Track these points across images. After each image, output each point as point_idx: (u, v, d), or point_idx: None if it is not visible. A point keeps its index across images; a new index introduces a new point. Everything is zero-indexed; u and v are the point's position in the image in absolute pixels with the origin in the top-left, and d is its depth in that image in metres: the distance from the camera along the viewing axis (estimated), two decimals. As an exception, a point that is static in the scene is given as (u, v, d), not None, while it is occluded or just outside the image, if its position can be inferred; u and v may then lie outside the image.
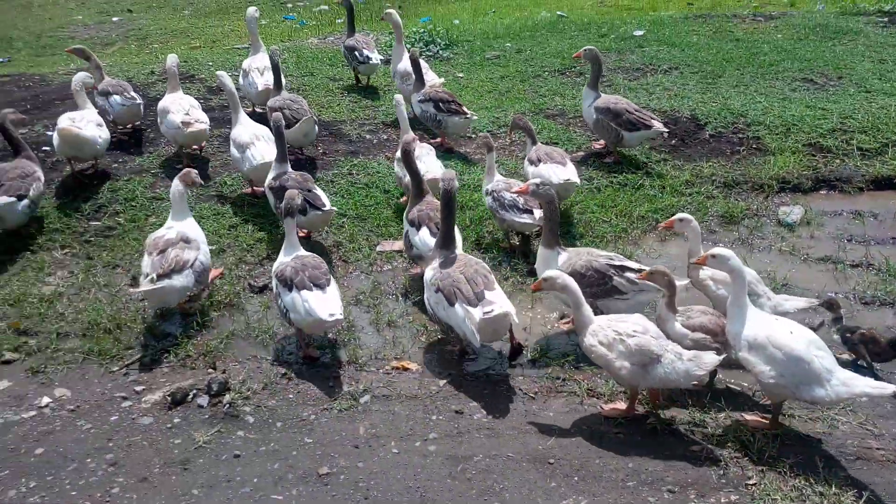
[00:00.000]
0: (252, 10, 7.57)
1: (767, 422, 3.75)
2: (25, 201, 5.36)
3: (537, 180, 4.67)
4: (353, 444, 3.76)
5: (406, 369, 4.38)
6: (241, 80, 7.46)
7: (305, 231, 5.50)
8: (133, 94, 6.79)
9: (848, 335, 4.20)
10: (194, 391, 4.08)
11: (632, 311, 4.05)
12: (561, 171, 5.49)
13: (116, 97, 6.63)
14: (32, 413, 4.01)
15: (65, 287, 5.10)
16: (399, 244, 5.45)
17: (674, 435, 3.78)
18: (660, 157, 6.71)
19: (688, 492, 3.43)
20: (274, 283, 4.45)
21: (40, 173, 5.66)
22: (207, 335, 4.64)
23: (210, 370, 4.31)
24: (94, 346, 4.49)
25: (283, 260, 4.50)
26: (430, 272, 4.34)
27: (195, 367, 4.37)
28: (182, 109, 6.28)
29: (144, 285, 4.40)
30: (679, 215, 4.44)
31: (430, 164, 5.60)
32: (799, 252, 5.44)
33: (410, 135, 5.36)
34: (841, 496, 3.34)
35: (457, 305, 4.07)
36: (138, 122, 7.13)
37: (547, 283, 3.88)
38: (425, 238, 4.72)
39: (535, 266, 4.56)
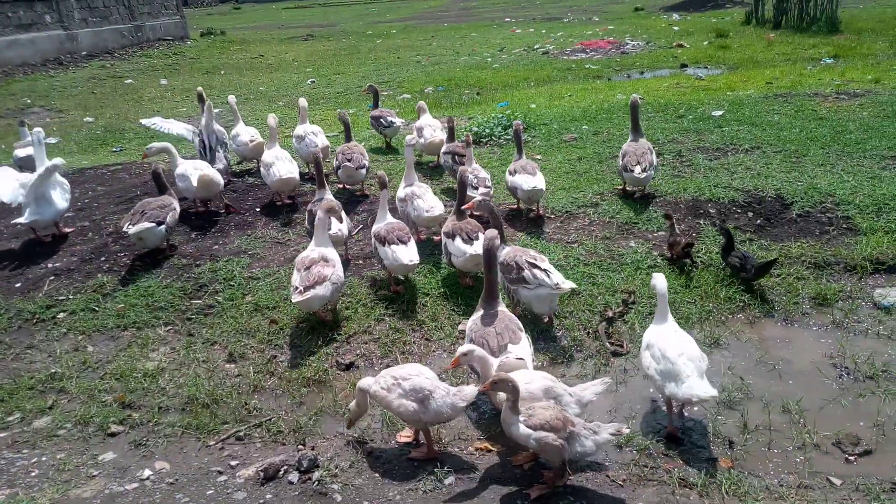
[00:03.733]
0: (271, 119, 8.28)
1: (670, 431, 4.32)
2: (163, 227, 6.64)
3: (479, 198, 5.93)
4: (439, 527, 3.76)
5: (489, 451, 4.38)
6: (295, 143, 8.57)
7: None
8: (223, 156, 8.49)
9: (670, 238, 6.25)
10: (285, 467, 4.20)
11: (536, 299, 5.25)
12: (530, 180, 6.89)
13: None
14: (135, 485, 4.20)
15: (167, 363, 5.41)
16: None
17: (773, 530, 3.61)
18: (745, 237, 6.62)
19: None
20: (372, 240, 6.05)
21: (176, 205, 6.96)
22: (297, 411, 4.80)
23: (300, 446, 4.44)
24: (193, 421, 4.71)
25: (378, 225, 6.08)
26: (470, 324, 4.75)
27: (286, 443, 4.51)
28: (275, 158, 7.77)
29: (296, 296, 5.29)
30: (462, 349, 4.21)
31: (430, 200, 6.63)
32: (899, 336, 5.20)
33: (466, 167, 6.74)
34: None
35: None
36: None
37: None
38: (458, 244, 5.84)
39: None
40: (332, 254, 5.70)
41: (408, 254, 5.81)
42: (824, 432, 4.29)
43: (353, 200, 8.04)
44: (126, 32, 25.87)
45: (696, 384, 4.05)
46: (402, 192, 6.81)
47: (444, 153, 8.06)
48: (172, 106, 15.82)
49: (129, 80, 19.81)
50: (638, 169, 7.15)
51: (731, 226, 6.79)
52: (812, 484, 3.93)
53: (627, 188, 7.67)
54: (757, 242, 6.52)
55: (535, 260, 5.32)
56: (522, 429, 3.84)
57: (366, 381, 4.35)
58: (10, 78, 19.41)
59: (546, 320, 5.58)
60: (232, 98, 9.31)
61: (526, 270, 5.24)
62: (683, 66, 16.60)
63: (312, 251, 5.67)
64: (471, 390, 4.24)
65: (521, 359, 4.30)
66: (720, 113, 10.38)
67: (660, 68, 16.65)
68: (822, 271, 6.09)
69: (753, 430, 4.35)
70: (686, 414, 4.57)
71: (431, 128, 8.71)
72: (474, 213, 6.45)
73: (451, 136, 8.27)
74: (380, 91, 10.42)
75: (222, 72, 21.14)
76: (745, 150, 8.75)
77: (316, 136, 8.49)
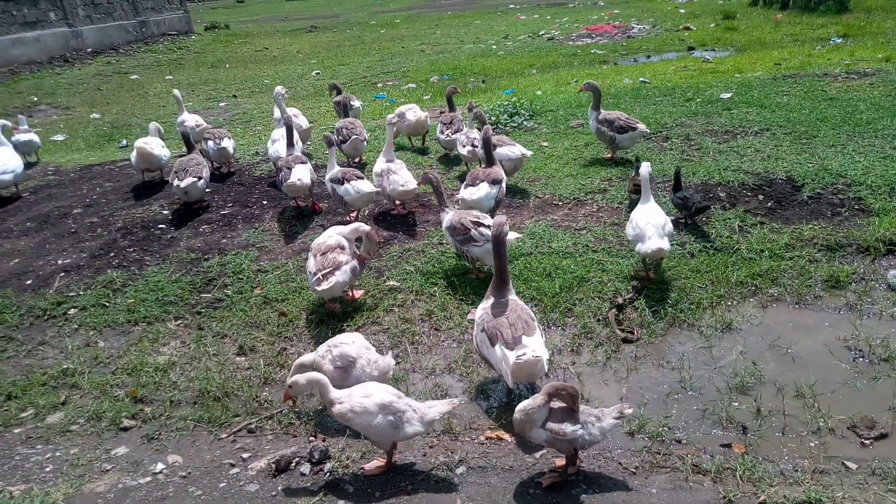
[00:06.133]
0: (279, 89, 8.90)
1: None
2: (202, 181, 7.61)
3: (425, 172, 6.56)
4: (451, 517, 3.75)
5: (501, 440, 4.36)
6: (268, 146, 8.67)
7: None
8: (221, 143, 8.73)
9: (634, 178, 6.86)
10: (297, 459, 4.20)
11: (486, 254, 5.60)
12: (516, 150, 7.44)
13: (211, 142, 8.73)
14: (148, 479, 4.21)
15: (178, 356, 5.42)
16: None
17: (788, 515, 3.58)
18: (756, 220, 6.55)
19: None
20: (329, 185, 6.91)
21: (205, 163, 7.96)
22: (308, 403, 4.80)
23: (311, 438, 4.44)
24: (204, 414, 4.72)
25: (333, 171, 6.96)
26: (481, 312, 4.65)
27: (297, 435, 4.51)
28: (281, 136, 8.28)
29: (321, 285, 5.39)
30: (287, 381, 4.13)
31: (405, 175, 7.07)
32: (914, 318, 5.14)
33: (488, 127, 7.14)
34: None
35: (496, 346, 4.35)
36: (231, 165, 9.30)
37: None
38: (461, 189, 6.64)
39: None
40: (348, 243, 5.78)
41: (367, 185, 6.74)
42: (839, 416, 4.25)
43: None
44: (130, 28, 25.88)
45: (652, 242, 5.45)
46: (379, 166, 7.28)
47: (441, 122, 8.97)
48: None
49: (135, 76, 19.83)
50: (641, 126, 7.86)
51: (741, 209, 6.73)
52: (827, 468, 3.89)
53: (616, 154, 8.40)
54: (768, 225, 6.45)
55: (479, 219, 5.82)
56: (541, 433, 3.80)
57: (306, 358, 4.54)
58: (17, 76, 19.47)
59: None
60: (176, 91, 10.48)
61: (472, 230, 5.73)
62: (690, 48, 16.45)
63: (330, 237, 5.74)
64: (387, 361, 4.47)
65: (538, 356, 4.18)
66: (728, 95, 10.28)
67: (667, 52, 16.51)
68: (834, 253, 6.01)
69: (767, 414, 4.31)
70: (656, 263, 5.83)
71: (413, 110, 9.35)
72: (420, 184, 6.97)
73: (451, 107, 9.02)
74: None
75: (227, 65, 21.13)
76: (755, 132, 8.66)
77: (298, 117, 9.56)
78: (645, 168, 5.87)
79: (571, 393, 3.77)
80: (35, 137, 10.57)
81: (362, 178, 6.85)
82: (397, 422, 3.94)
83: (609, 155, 8.46)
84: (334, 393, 4.03)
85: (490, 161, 6.79)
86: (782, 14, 20.21)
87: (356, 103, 10.52)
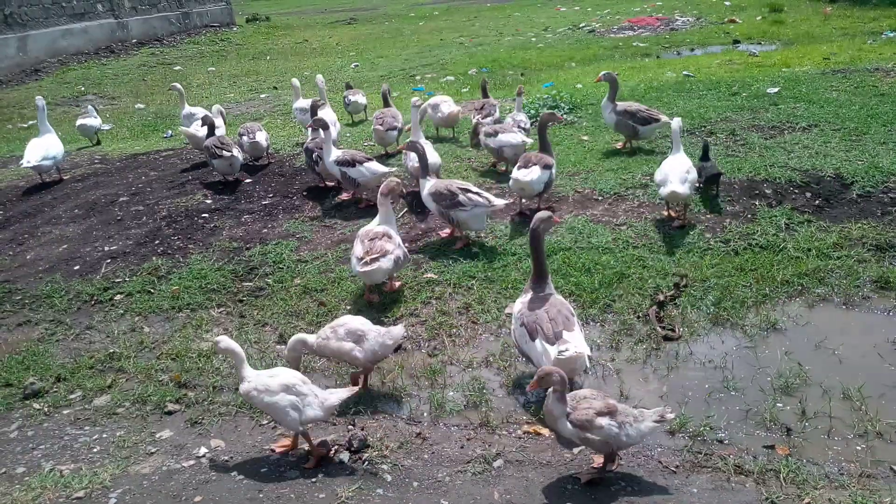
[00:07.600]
0: (319, 78, 9.91)
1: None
2: (239, 155, 8.39)
3: (409, 140, 7.05)
4: (489, 509, 3.76)
5: (538, 434, 4.35)
6: (299, 115, 9.72)
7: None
8: (255, 136, 8.87)
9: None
10: (336, 447, 4.25)
11: (471, 218, 6.17)
12: (517, 136, 7.74)
13: (245, 137, 8.89)
14: (191, 462, 4.30)
15: (220, 343, 5.52)
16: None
17: (833, 520, 3.50)
18: (803, 218, 6.40)
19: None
20: (337, 168, 7.17)
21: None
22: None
23: (350, 427, 4.49)
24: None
25: (337, 154, 7.20)
26: (519, 305, 4.65)
27: (336, 423, 4.56)
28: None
29: (361, 266, 5.51)
30: (217, 341, 4.28)
31: (431, 154, 7.23)
32: (969, 321, 4.97)
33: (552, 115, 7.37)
34: None
35: (536, 341, 4.36)
36: (263, 158, 9.36)
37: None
38: (515, 170, 6.79)
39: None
40: (395, 232, 5.88)
41: (380, 167, 7.13)
42: (887, 420, 4.14)
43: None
44: (174, 20, 26.32)
45: (673, 185, 6.13)
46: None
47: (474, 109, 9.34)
48: (220, 92, 16.06)
49: (178, 67, 20.17)
50: (664, 117, 8.06)
51: (788, 206, 6.59)
52: (875, 473, 3.80)
53: (633, 143, 8.51)
54: (816, 224, 6.30)
55: (466, 186, 6.24)
56: (568, 427, 3.77)
57: (309, 337, 4.69)
58: (66, 66, 19.96)
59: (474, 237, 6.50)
60: (177, 85, 11.04)
61: (461, 195, 6.12)
62: (736, 42, 16.11)
63: (377, 227, 5.84)
64: (398, 330, 4.65)
65: (580, 352, 4.18)
66: (775, 90, 10.04)
67: (711, 45, 16.20)
68: (884, 254, 5.85)
69: (812, 416, 4.22)
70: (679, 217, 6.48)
71: (447, 103, 9.50)
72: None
73: (485, 94, 9.52)
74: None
75: (268, 57, 21.36)
76: (802, 128, 8.45)
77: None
78: (676, 122, 6.56)
79: (556, 377, 3.76)
80: (89, 122, 11.45)
81: (372, 160, 7.24)
82: (298, 404, 4.04)
83: (621, 144, 8.58)
84: (246, 370, 4.18)
85: (543, 146, 6.93)
86: (832, 7, 19.64)
87: (355, 98, 11.19)
